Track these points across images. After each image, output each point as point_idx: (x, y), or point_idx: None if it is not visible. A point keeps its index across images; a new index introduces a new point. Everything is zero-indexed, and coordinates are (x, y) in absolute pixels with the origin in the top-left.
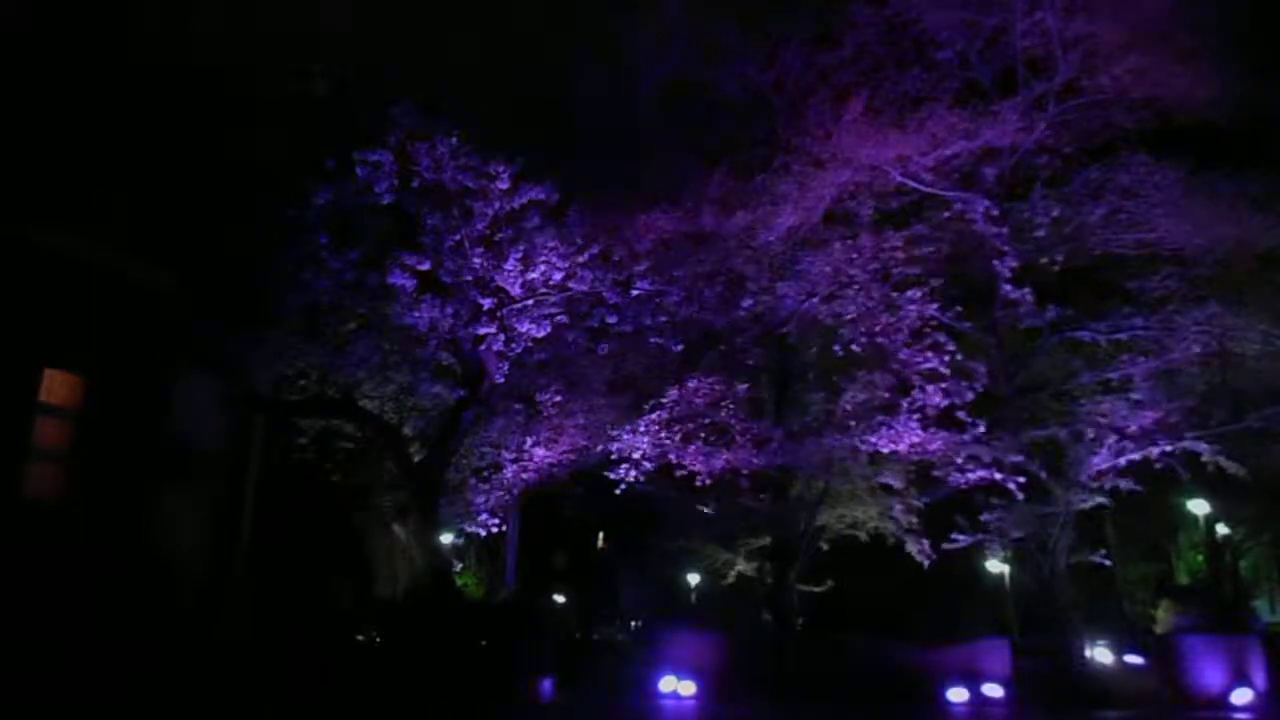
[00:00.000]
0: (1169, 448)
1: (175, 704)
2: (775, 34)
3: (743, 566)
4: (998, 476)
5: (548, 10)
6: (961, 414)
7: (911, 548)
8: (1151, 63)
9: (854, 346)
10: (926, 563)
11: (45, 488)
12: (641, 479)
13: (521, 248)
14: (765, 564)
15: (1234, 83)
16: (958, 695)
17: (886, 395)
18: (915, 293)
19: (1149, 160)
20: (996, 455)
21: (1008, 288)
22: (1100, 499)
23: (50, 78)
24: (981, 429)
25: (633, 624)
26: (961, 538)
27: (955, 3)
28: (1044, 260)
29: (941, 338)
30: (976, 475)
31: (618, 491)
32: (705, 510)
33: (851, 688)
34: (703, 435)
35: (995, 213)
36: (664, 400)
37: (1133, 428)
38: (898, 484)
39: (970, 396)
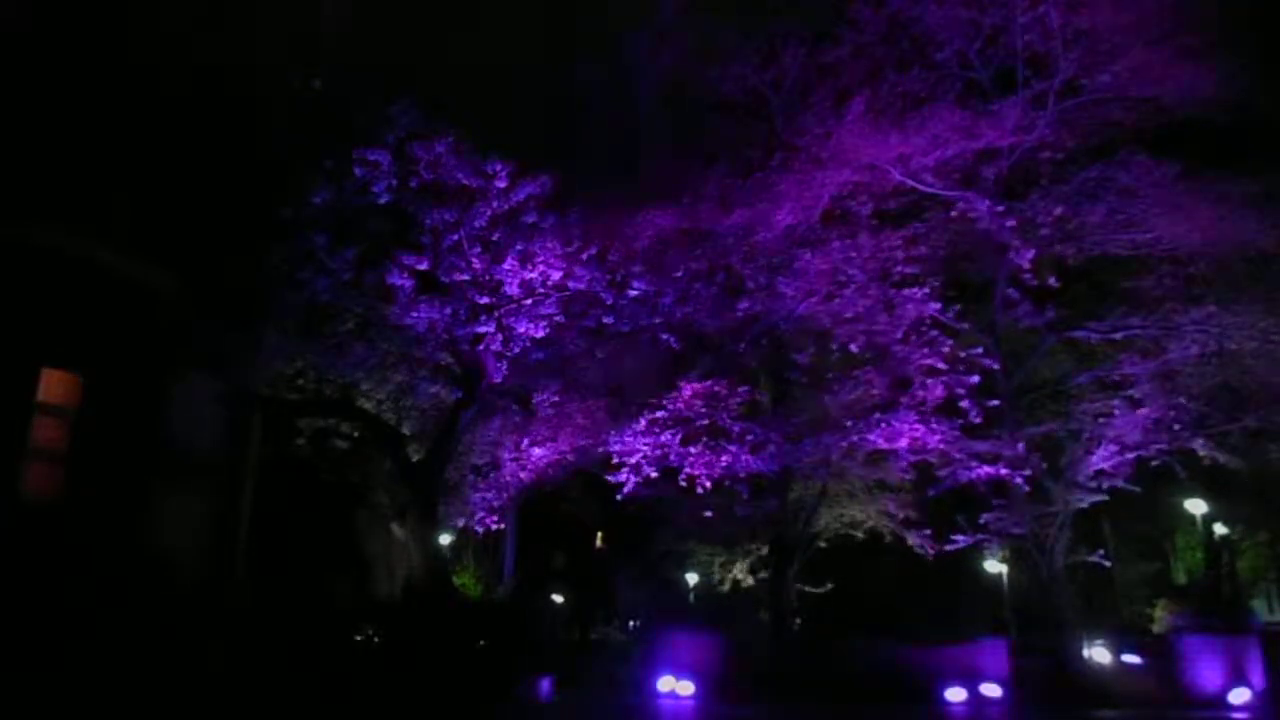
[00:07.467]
0: (1167, 447)
1: (175, 704)
2: (774, 33)
3: (741, 568)
4: (1004, 472)
5: (548, 10)
6: (965, 403)
7: (912, 540)
8: (1152, 60)
9: (852, 347)
10: (929, 555)
11: (43, 487)
12: (642, 485)
13: (520, 246)
14: (764, 565)
15: (1234, 81)
16: (956, 695)
17: (880, 393)
18: (914, 292)
19: (1148, 159)
20: (996, 450)
21: (1025, 277)
22: (1098, 495)
23: (50, 77)
24: (983, 414)
25: (631, 624)
26: (961, 538)
27: (955, 0)
28: (1054, 250)
29: (938, 334)
30: (983, 470)
31: (619, 497)
32: (704, 513)
33: (850, 687)
34: (702, 438)
35: (1000, 209)
36: (662, 402)
37: (1130, 427)
38: (896, 481)
39: (973, 381)
